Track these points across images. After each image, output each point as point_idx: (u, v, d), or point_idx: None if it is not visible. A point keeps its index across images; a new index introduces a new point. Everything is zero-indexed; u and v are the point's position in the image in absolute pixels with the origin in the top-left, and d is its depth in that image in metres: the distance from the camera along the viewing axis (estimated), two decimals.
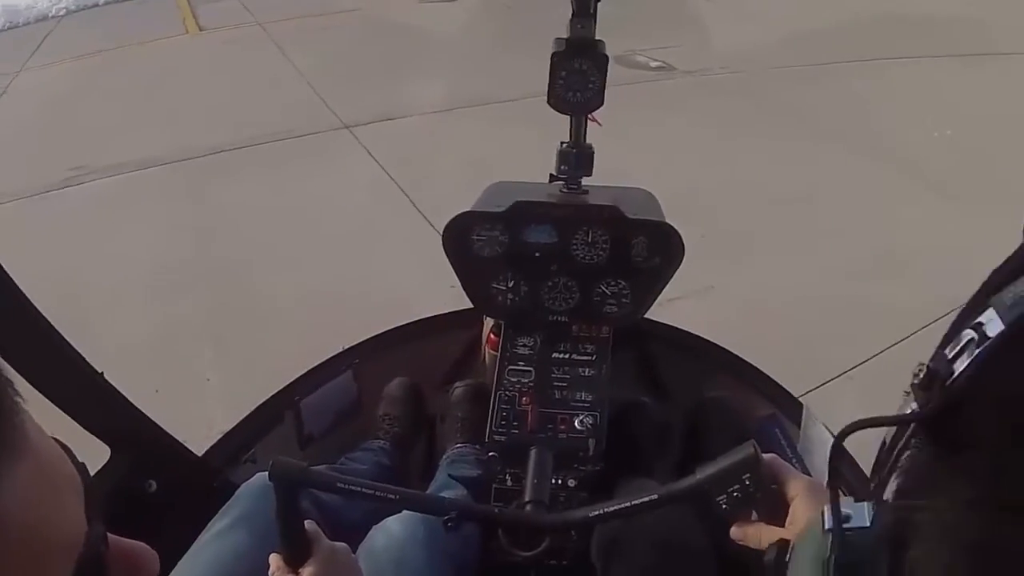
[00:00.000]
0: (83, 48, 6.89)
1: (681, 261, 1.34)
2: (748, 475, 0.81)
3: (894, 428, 0.45)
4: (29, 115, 5.40)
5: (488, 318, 1.55)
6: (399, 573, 1.13)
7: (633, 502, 0.86)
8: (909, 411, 0.43)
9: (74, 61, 6.66)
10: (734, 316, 2.77)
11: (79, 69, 6.44)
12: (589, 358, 1.39)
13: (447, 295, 1.63)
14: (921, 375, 0.42)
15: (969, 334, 0.40)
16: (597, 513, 0.89)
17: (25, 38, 7.35)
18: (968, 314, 0.42)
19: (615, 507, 0.88)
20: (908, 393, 0.43)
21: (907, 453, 0.43)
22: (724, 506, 0.82)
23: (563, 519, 1.02)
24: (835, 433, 1.34)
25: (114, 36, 7.18)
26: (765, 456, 0.84)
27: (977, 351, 0.39)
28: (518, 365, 1.39)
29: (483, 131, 4.61)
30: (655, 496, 0.85)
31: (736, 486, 0.81)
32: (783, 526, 0.82)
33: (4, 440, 0.35)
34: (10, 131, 5.08)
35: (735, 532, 0.85)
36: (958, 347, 0.41)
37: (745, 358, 1.63)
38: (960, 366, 0.40)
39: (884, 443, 0.46)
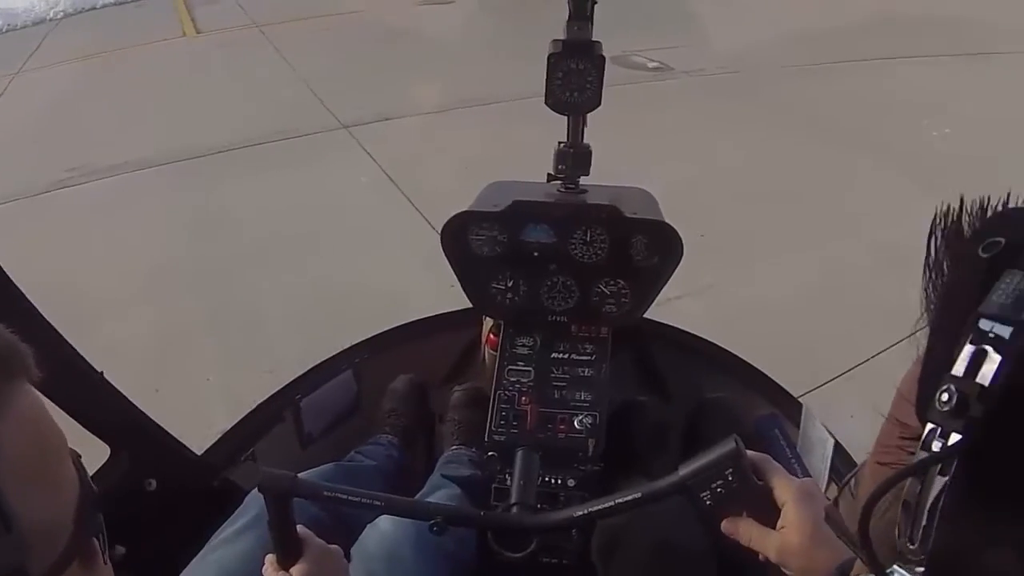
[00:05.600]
0: (81, 51, 6.88)
1: (680, 260, 1.34)
2: (730, 470, 0.81)
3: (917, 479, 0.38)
4: (28, 116, 5.38)
5: (488, 318, 1.55)
6: (391, 570, 1.14)
7: (617, 501, 0.86)
8: (937, 450, 0.37)
9: (72, 63, 6.64)
10: (733, 314, 2.76)
11: (77, 71, 6.43)
12: (588, 358, 1.39)
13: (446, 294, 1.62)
14: (951, 400, 0.35)
15: (970, 349, 0.35)
16: (581, 513, 0.89)
17: (23, 41, 7.34)
18: (946, 340, 0.37)
19: (598, 507, 0.88)
20: (926, 434, 0.37)
21: (942, 501, 0.37)
22: (708, 502, 0.83)
23: (547, 520, 1.01)
24: (833, 434, 1.34)
25: (111, 39, 7.17)
26: (755, 455, 0.85)
27: (1003, 348, 0.34)
28: (517, 365, 1.39)
29: (481, 131, 4.61)
30: (638, 495, 0.86)
31: (719, 481, 0.82)
32: (774, 527, 0.83)
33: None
34: (9, 132, 5.06)
35: (726, 526, 0.86)
36: (966, 363, 0.35)
37: (745, 358, 1.62)
38: (989, 372, 0.35)
39: (907, 502, 0.39)
